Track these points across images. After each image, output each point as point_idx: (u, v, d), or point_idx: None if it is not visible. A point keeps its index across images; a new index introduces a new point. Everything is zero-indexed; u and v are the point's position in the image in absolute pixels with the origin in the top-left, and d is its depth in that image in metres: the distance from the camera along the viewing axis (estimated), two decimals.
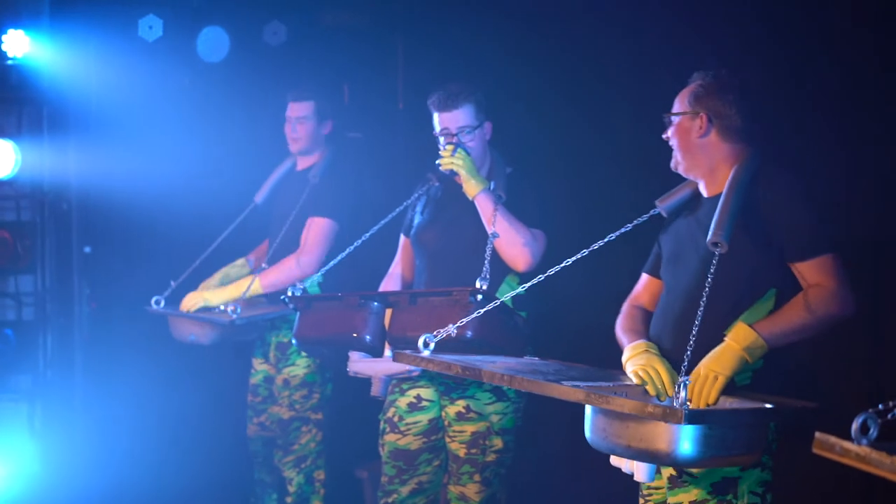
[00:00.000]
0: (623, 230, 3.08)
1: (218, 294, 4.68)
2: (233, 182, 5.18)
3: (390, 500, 3.90)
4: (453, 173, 3.78)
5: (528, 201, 3.83)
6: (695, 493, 2.82)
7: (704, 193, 3.03)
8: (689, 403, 2.57)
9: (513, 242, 3.72)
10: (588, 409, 2.70)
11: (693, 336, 2.64)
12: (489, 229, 3.70)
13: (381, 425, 3.93)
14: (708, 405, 2.71)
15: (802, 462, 2.40)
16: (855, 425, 1.91)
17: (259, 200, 4.92)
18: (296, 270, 4.56)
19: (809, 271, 2.83)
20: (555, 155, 4.57)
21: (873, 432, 1.90)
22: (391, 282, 4.11)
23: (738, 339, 2.74)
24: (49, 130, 5.65)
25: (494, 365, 2.93)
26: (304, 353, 4.66)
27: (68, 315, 5.72)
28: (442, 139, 3.84)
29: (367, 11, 5.62)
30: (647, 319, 3.12)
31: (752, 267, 2.87)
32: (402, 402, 3.86)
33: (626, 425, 2.57)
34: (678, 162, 3.02)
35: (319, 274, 4.21)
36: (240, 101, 5.56)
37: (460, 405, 3.77)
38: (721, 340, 2.78)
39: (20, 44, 5.38)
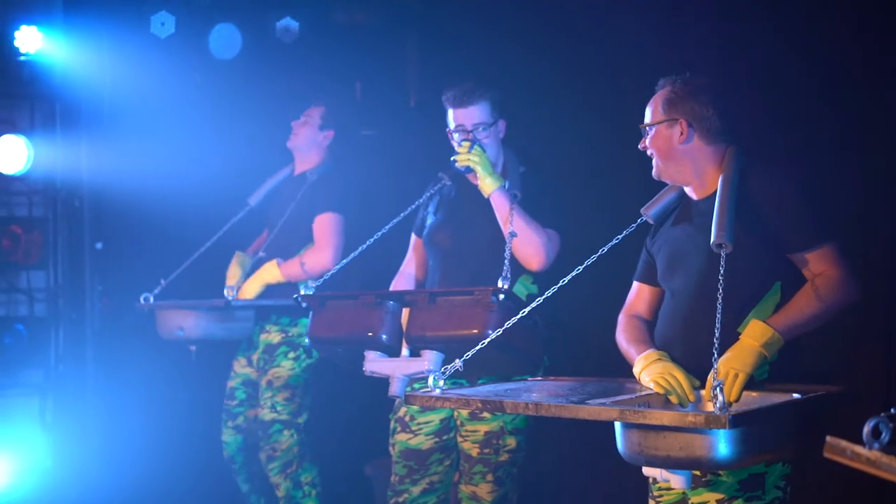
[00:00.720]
0: (614, 241, 3.08)
1: (251, 285, 4.71)
2: (245, 179, 5.17)
3: (401, 499, 3.88)
4: (468, 171, 3.77)
5: (542, 201, 3.82)
6: (722, 491, 2.81)
7: (694, 196, 3.03)
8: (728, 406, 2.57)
9: (529, 242, 3.71)
10: (618, 425, 2.65)
11: (717, 338, 2.62)
12: (506, 228, 3.69)
13: (392, 424, 3.92)
14: (732, 403, 2.69)
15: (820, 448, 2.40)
16: (866, 429, 1.89)
17: (253, 203, 4.93)
18: (319, 266, 4.57)
19: (813, 261, 2.86)
20: (569, 154, 4.55)
21: (885, 436, 1.90)
22: (403, 281, 4.10)
23: (756, 337, 2.75)
24: (61, 127, 5.66)
25: (505, 389, 2.92)
26: (290, 356, 4.70)
27: (80, 311, 5.74)
28: (456, 136, 3.83)
29: (380, 9, 5.62)
30: (649, 329, 3.12)
31: (757, 263, 2.88)
32: None
33: (662, 436, 2.54)
34: (662, 170, 3.01)
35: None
36: (252, 98, 5.55)
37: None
38: (734, 338, 2.79)
39: (33, 40, 5.39)
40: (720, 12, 4.02)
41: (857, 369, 3.55)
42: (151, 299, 4.76)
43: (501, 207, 3.73)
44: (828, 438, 1.94)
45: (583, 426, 2.90)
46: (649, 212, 3.12)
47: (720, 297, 2.68)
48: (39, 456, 5.62)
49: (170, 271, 4.87)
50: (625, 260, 3.28)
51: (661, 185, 3.13)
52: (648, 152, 3.02)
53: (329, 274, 3.94)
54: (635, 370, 2.97)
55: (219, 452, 4.99)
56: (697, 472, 2.83)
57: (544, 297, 3.18)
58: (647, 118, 3.02)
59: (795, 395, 2.67)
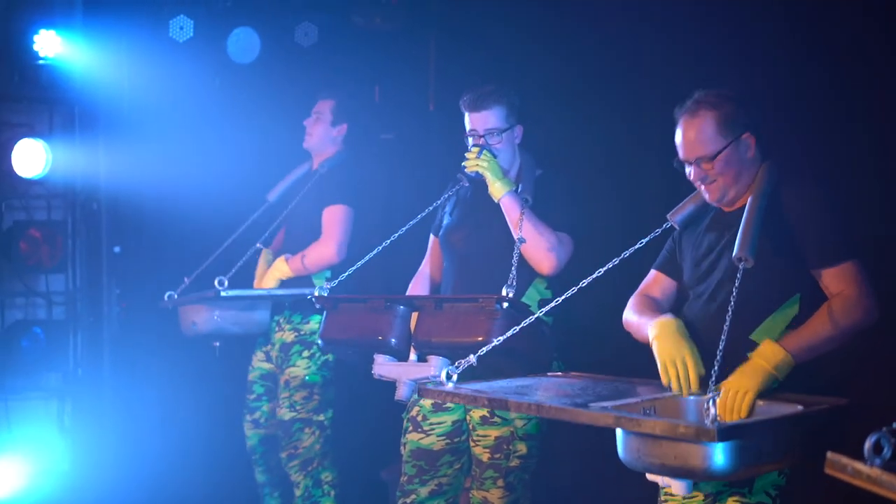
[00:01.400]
0: (639, 245, 3.08)
1: (266, 282, 4.76)
2: (263, 183, 5.17)
3: (409, 500, 3.87)
4: (478, 176, 3.77)
5: (557, 204, 3.80)
6: (711, 484, 2.83)
7: (724, 208, 3.03)
8: (719, 419, 2.57)
9: (538, 247, 3.69)
10: (619, 430, 2.68)
11: (720, 350, 2.65)
12: (515, 233, 3.68)
13: (405, 424, 3.92)
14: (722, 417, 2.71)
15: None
16: (868, 444, 1.89)
17: (272, 199, 4.95)
18: (322, 259, 4.62)
19: (831, 279, 2.85)
20: (587, 157, 4.53)
21: (887, 451, 1.88)
22: (420, 281, 4.10)
23: (768, 358, 2.75)
24: (80, 130, 5.67)
25: (513, 386, 2.93)
26: (305, 355, 4.71)
27: (98, 314, 5.75)
28: (470, 140, 3.83)
29: (399, 12, 5.61)
30: (661, 307, 3.11)
31: (778, 275, 2.88)
32: (427, 401, 3.82)
33: (658, 444, 2.57)
34: (724, 193, 2.95)
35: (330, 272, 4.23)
36: (271, 102, 5.56)
37: (485, 409, 3.74)
38: (746, 343, 2.81)
39: (52, 44, 5.40)
40: (741, 19, 3.98)
41: (869, 379, 3.49)
42: (175, 296, 4.82)
43: (511, 212, 3.72)
44: (828, 454, 1.93)
45: (595, 431, 2.89)
46: (675, 218, 3.12)
47: (730, 309, 2.71)
48: (57, 459, 5.64)
49: (187, 275, 4.89)
50: (644, 264, 3.27)
51: (682, 189, 3.10)
52: (708, 182, 2.94)
53: (345, 274, 3.91)
54: (650, 335, 2.94)
55: (237, 457, 5.00)
56: None
57: (554, 303, 3.23)
58: (704, 149, 2.92)
59: (799, 407, 2.68)
